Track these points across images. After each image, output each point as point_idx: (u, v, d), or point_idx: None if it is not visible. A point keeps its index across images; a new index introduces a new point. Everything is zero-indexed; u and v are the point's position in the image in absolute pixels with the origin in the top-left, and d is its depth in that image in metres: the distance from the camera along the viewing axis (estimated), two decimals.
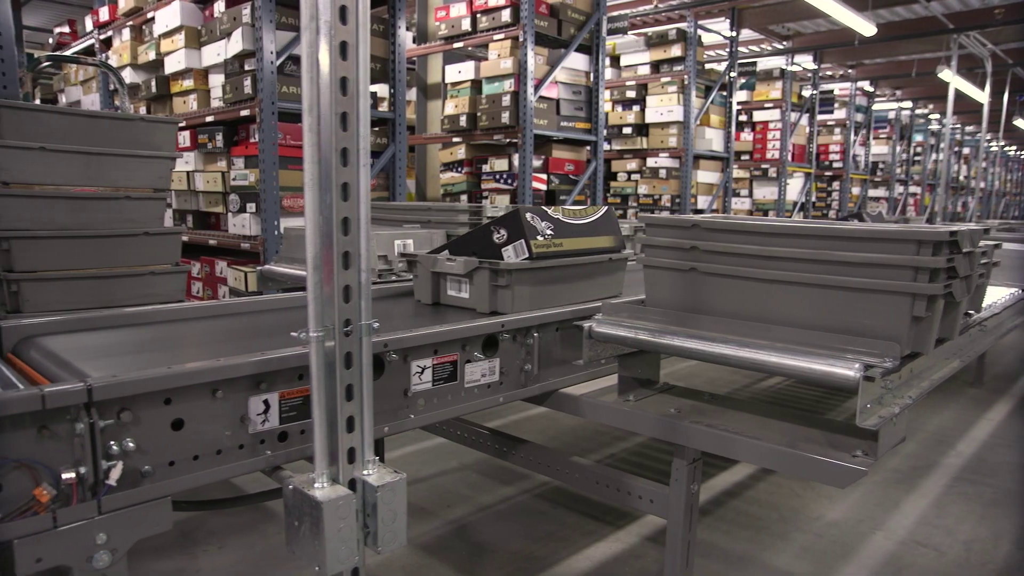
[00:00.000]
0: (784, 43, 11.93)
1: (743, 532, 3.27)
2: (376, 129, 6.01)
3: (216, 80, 5.79)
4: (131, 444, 1.50)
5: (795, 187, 11.85)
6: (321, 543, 1.54)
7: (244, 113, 5.29)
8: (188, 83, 6.01)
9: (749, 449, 2.03)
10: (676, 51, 8.78)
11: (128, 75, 6.83)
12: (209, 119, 5.72)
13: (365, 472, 1.65)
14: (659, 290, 2.35)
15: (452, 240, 2.79)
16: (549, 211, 2.65)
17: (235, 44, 5.31)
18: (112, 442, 1.48)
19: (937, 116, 19.14)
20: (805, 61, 12.10)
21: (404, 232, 3.43)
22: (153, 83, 6.34)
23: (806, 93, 12.01)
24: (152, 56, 6.33)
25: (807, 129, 12.29)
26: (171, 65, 6.07)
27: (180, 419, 1.60)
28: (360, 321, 1.59)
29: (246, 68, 5.29)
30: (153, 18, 6.31)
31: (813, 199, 12.58)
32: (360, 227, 1.56)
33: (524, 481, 3.80)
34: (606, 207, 2.96)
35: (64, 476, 1.43)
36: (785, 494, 3.70)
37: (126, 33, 6.80)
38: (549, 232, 2.57)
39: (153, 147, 3.65)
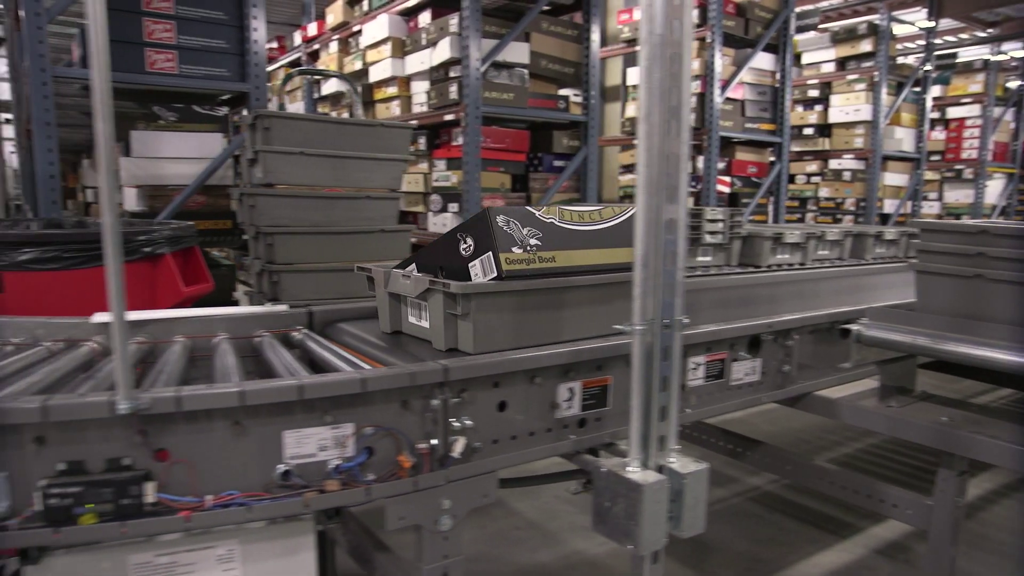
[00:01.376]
0: (989, 30, 10.97)
1: (988, 557, 3.10)
2: (568, 132, 6.15)
3: (418, 87, 6.14)
4: (468, 421, 1.66)
5: (994, 189, 10.92)
6: (638, 523, 1.63)
7: (448, 117, 5.58)
8: (392, 90, 6.40)
9: None
10: (865, 46, 8.37)
11: (334, 84, 7.37)
12: (413, 123, 6.07)
13: (670, 460, 1.73)
14: (935, 296, 2.29)
15: (421, 250, 2.18)
16: (539, 213, 2.00)
17: (441, 52, 5.59)
18: (453, 419, 1.65)
19: None
20: (1013, 49, 11.08)
21: None
22: (358, 90, 6.79)
23: (1012, 84, 11.03)
24: (358, 66, 6.78)
25: (1011, 125, 11.29)
26: (376, 74, 6.48)
27: (504, 401, 1.74)
28: (676, 316, 1.68)
29: (451, 75, 5.57)
30: (360, 31, 6.76)
31: (1015, 203, 11.55)
32: (680, 227, 1.65)
33: (734, 484, 3.79)
34: (634, 208, 2.20)
35: (418, 446, 1.60)
36: None
37: (333, 46, 7.33)
38: (534, 242, 1.95)
39: (389, 150, 3.94)
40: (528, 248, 1.93)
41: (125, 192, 5.11)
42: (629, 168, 8.02)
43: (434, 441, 1.61)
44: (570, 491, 3.66)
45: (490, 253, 1.89)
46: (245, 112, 4.69)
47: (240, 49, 4.61)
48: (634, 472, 1.68)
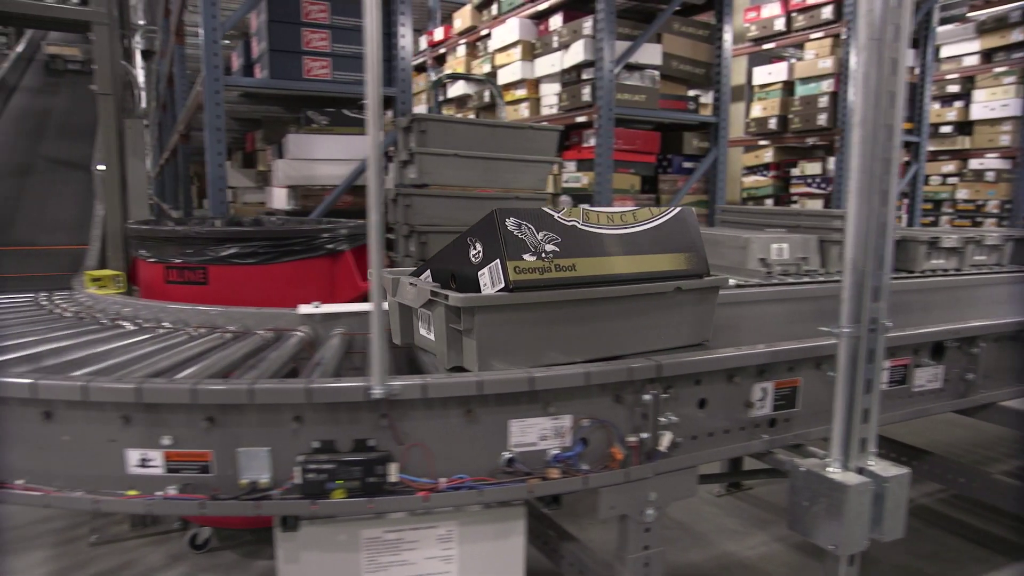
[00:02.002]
0: None
1: None
2: (697, 133, 6.11)
3: (547, 89, 6.23)
4: (673, 417, 1.71)
5: None
6: (841, 524, 1.64)
7: (580, 119, 5.64)
8: (520, 92, 6.51)
9: None
10: (1017, 35, 7.87)
11: (461, 87, 7.56)
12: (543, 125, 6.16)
13: (870, 462, 1.73)
14: None
15: (435, 255, 1.98)
16: (558, 215, 1.78)
17: (574, 55, 5.66)
18: (662, 414, 1.70)
19: None
20: None
21: (779, 236, 3.48)
22: (486, 94, 6.95)
23: None
24: (486, 69, 6.94)
25: None
26: (504, 77, 6.61)
27: (704, 399, 1.79)
28: (881, 320, 1.68)
29: (583, 77, 5.63)
30: (488, 35, 6.92)
31: None
32: (889, 231, 1.65)
33: None
34: (678, 209, 1.95)
35: (628, 439, 1.67)
36: None
37: (460, 50, 7.53)
38: (550, 248, 1.72)
39: (536, 152, 4.04)
40: (543, 255, 1.71)
41: (274, 192, 5.43)
42: (753, 170, 7.88)
43: (644, 435, 1.67)
44: (713, 493, 3.68)
45: (498, 261, 1.67)
46: (392, 115, 4.90)
47: (387, 55, 4.81)
48: (835, 472, 1.69)
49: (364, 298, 3.01)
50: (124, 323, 2.43)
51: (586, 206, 1.86)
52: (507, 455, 1.57)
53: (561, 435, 1.60)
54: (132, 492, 1.50)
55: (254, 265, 2.72)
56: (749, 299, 3.06)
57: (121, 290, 2.78)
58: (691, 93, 6.00)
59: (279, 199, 5.23)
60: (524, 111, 6.48)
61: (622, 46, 5.46)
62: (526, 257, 1.68)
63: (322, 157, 4.79)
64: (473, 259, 1.74)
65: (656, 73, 5.76)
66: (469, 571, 1.70)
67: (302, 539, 1.60)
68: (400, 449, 1.52)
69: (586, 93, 5.52)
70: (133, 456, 1.51)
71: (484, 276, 1.71)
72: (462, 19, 7.51)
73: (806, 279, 3.39)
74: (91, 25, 2.70)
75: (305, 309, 2.26)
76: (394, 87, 4.81)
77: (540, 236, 1.73)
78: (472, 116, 7.41)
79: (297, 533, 1.58)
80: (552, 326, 1.72)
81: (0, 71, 6.70)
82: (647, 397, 1.66)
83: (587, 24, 5.50)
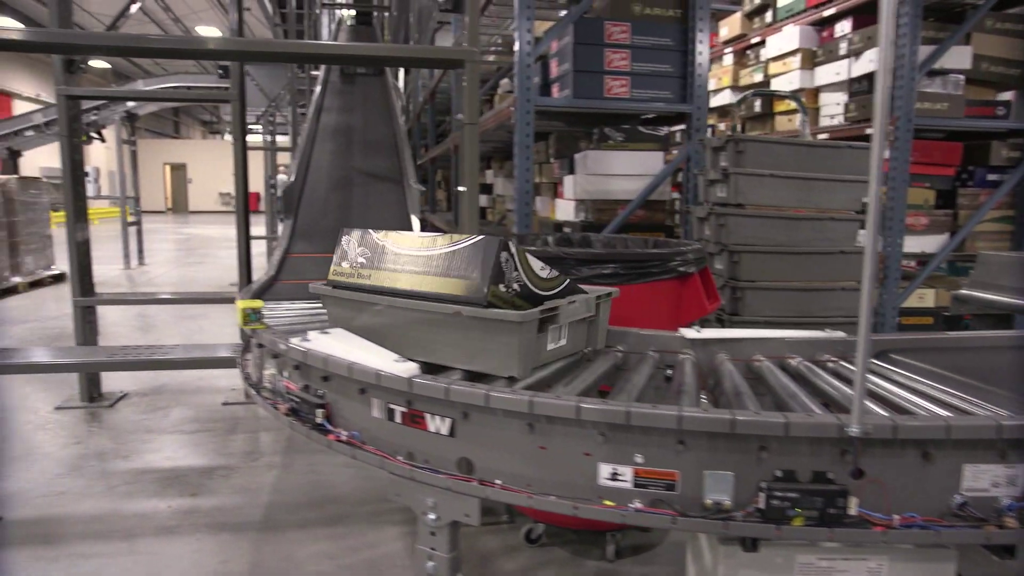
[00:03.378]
0: None
1: None
2: (1007, 142, 5.63)
3: (828, 99, 6.02)
4: None
5: None
6: None
7: (869, 131, 5.40)
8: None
9: None
10: None
11: (727, 96, 7.52)
12: (823, 137, 5.98)
13: None
14: None
15: None
16: (378, 236, 2.21)
17: (866, 62, 5.44)
18: None
19: None
20: None
21: None
22: (757, 103, 6.85)
23: None
24: (757, 78, 6.85)
25: None
26: (779, 85, 6.48)
27: None
28: None
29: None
30: (761, 42, 6.82)
31: None
32: None
33: None
34: (478, 238, 2.03)
35: None
36: None
37: (727, 59, 7.48)
38: (361, 260, 2.21)
39: (851, 172, 3.96)
40: (355, 264, 2.21)
41: (560, 204, 5.75)
42: None
43: None
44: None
45: None
46: (686, 131, 5.01)
47: (682, 72, 4.93)
48: None
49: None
50: None
51: (399, 231, 2.25)
52: (959, 498, 1.61)
53: (1013, 483, 1.62)
54: (608, 502, 1.72)
55: (612, 286, 2.93)
56: None
57: None
58: (1001, 97, 5.54)
59: (565, 211, 5.54)
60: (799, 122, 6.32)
61: (924, 51, 5.16)
62: (343, 264, 2.26)
63: (617, 172, 5.01)
64: None
65: (961, 78, 5.38)
66: None
67: (743, 558, 1.75)
68: (855, 484, 1.61)
69: None
70: (605, 469, 1.72)
71: None
72: (729, 27, 7.46)
73: None
74: (464, 63, 3.05)
75: (689, 333, 2.42)
76: (689, 103, 4.92)
77: (358, 250, 2.23)
78: (733, 126, 7.34)
79: (744, 553, 1.72)
80: (365, 321, 2.22)
81: (315, 95, 7.64)
82: None
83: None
